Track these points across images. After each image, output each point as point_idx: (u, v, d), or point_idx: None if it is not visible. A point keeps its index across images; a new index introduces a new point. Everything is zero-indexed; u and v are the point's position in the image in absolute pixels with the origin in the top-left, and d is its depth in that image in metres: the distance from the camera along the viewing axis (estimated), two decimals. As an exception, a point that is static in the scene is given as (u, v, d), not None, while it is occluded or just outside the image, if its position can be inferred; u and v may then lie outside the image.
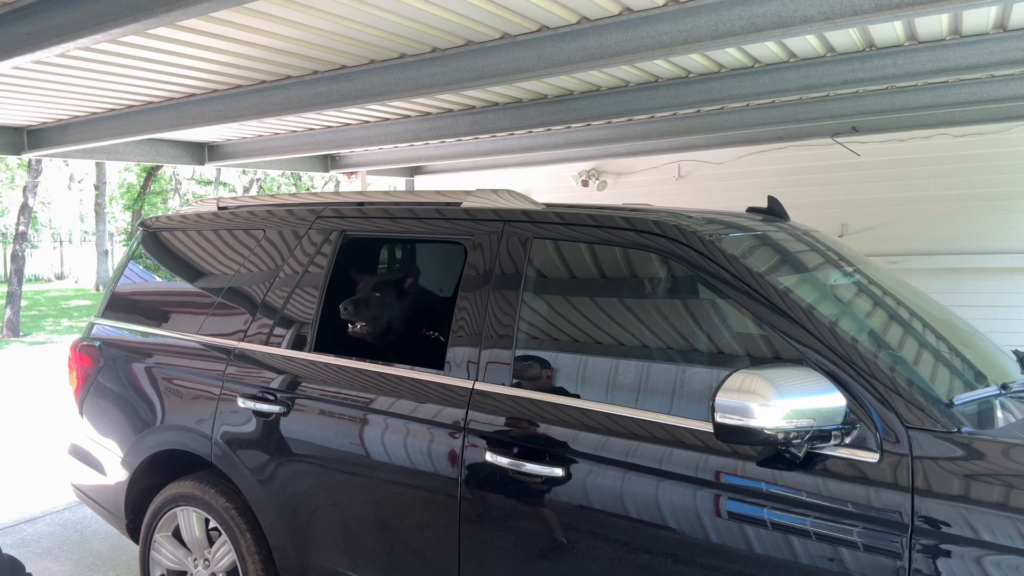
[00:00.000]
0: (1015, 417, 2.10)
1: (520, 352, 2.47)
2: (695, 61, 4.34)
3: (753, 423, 1.85)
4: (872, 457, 1.88)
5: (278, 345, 3.02)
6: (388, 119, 6.05)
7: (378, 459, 2.67)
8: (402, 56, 4.03)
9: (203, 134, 6.70)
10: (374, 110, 5.73)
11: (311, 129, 6.55)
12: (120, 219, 32.19)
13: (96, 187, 25.05)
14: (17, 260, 15.17)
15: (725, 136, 6.77)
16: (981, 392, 2.18)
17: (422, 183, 9.73)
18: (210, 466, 3.19)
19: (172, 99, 5.02)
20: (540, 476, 2.29)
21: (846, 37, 3.92)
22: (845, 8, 2.80)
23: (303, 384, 2.89)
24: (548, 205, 2.80)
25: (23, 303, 16.94)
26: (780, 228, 2.85)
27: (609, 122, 6.27)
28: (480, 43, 3.77)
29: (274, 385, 2.94)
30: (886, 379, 1.97)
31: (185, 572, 3.25)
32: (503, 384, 2.46)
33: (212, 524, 3.14)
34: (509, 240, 2.63)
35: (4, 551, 2.43)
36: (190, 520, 3.17)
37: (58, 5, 2.98)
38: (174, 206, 28.69)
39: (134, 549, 3.97)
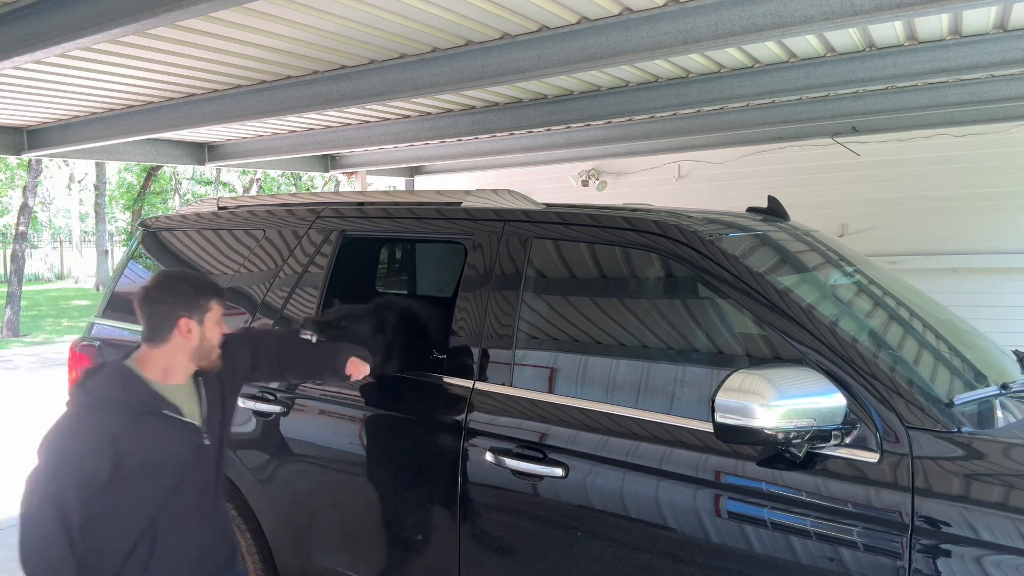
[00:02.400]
0: (1015, 417, 2.10)
1: (520, 352, 2.47)
2: (695, 61, 4.34)
3: (753, 423, 1.85)
4: (872, 457, 1.88)
5: (278, 345, 3.02)
6: (388, 119, 6.06)
7: (378, 459, 2.67)
8: (402, 56, 4.03)
9: (203, 134, 6.70)
10: (374, 110, 5.73)
11: (311, 129, 6.55)
12: (120, 219, 32.18)
13: (96, 187, 25.05)
14: (17, 260, 15.17)
15: (725, 136, 6.77)
16: (981, 392, 2.18)
17: (422, 183, 9.73)
18: (210, 466, 3.19)
19: (172, 99, 5.02)
20: (540, 476, 2.29)
21: (846, 37, 3.92)
22: (845, 8, 2.80)
23: (303, 384, 2.89)
24: (548, 205, 2.80)
25: (23, 303, 16.95)
26: (780, 228, 2.85)
27: (609, 122, 6.27)
28: (480, 43, 3.77)
29: (274, 385, 2.94)
30: (886, 379, 1.97)
31: (185, 572, 3.24)
32: (503, 384, 2.46)
33: (212, 524, 3.14)
34: (509, 240, 2.63)
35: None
36: (190, 520, 3.16)
37: (58, 5, 2.98)
38: (174, 206, 28.69)
39: (134, 549, 3.96)
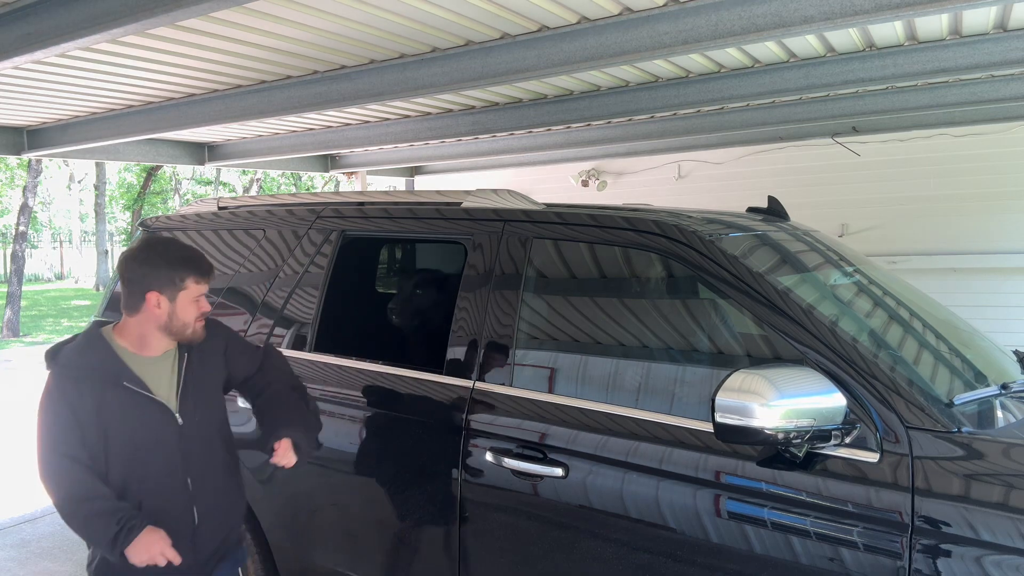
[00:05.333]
0: (1015, 417, 2.10)
1: (520, 352, 2.47)
2: (695, 61, 4.34)
3: (753, 423, 1.85)
4: (872, 457, 1.88)
5: (278, 345, 3.02)
6: (388, 119, 6.05)
7: (378, 459, 2.67)
8: (402, 56, 4.03)
9: (203, 134, 6.70)
10: (374, 110, 5.73)
11: (311, 129, 6.55)
12: (120, 219, 32.17)
13: (96, 187, 25.05)
14: (17, 260, 15.17)
15: (725, 136, 6.76)
16: (981, 392, 2.18)
17: (422, 183, 9.73)
18: (210, 466, 3.19)
19: (172, 99, 5.02)
20: (540, 476, 2.29)
21: (846, 37, 3.92)
22: (845, 8, 2.80)
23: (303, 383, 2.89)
24: (548, 205, 2.80)
25: (23, 303, 16.94)
26: (780, 228, 2.85)
27: (609, 122, 6.27)
28: (480, 43, 3.76)
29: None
30: (886, 379, 1.97)
31: (185, 572, 3.24)
32: (503, 384, 2.46)
33: (212, 524, 3.14)
34: (509, 240, 2.63)
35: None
36: (190, 520, 3.16)
37: (58, 5, 2.98)
38: (174, 206, 28.68)
39: (134, 549, 3.96)
